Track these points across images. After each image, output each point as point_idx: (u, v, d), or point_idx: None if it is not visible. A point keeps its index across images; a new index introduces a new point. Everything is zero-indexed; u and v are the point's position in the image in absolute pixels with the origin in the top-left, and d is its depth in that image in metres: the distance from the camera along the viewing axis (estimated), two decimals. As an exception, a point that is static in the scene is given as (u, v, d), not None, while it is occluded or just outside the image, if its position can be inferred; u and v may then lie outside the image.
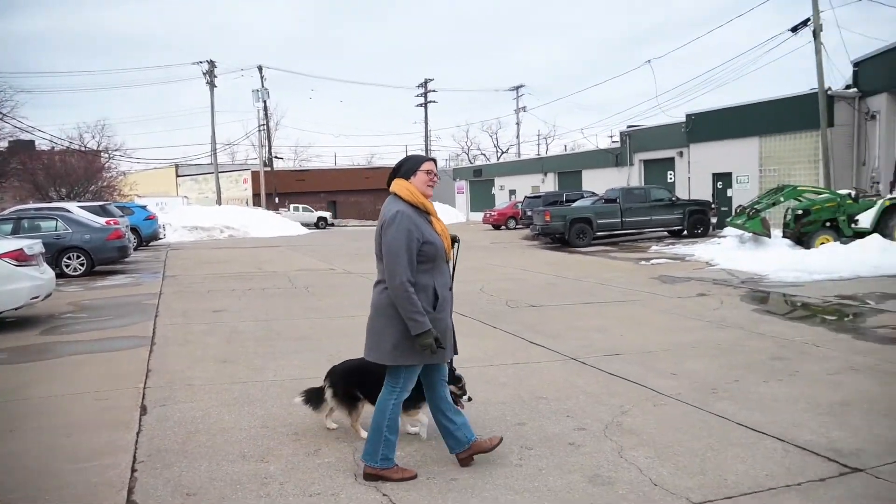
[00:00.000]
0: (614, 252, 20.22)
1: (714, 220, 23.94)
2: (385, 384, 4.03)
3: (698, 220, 23.42)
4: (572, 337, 8.10)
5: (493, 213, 36.65)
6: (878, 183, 20.30)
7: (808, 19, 20.88)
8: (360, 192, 56.64)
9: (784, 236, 17.29)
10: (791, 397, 5.60)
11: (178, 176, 61.54)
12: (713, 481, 3.99)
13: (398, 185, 3.99)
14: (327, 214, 48.55)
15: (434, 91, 56.38)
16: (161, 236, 28.10)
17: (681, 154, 29.02)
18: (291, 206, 48.20)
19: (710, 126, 26.85)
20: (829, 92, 21.31)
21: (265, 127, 50.07)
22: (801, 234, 16.42)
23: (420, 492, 3.90)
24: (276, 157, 55.78)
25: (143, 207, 27.95)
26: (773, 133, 24.23)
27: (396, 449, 4.09)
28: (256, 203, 49.74)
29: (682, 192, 27.80)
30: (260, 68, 48.91)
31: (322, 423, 4.97)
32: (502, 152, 75.19)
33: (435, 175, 4.05)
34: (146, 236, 25.83)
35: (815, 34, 20.59)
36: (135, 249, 21.22)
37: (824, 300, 10.73)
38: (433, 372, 4.12)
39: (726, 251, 17.19)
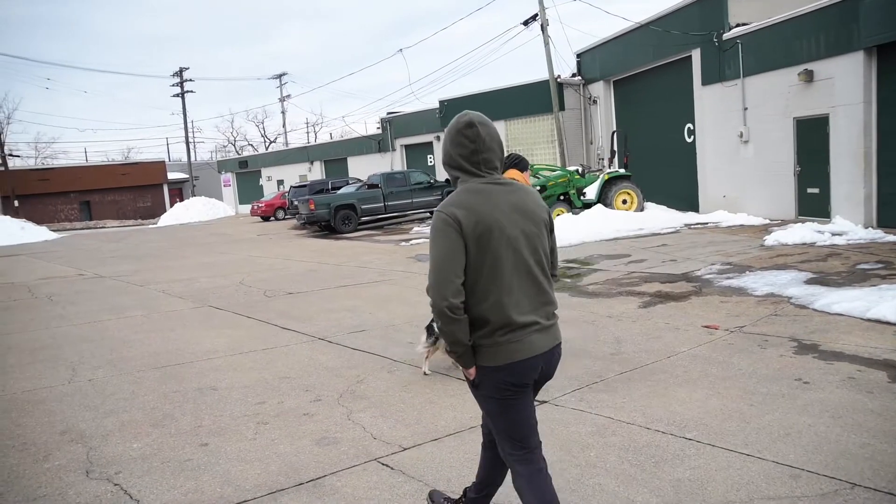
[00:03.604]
0: (378, 236, 20.97)
1: (470, 199, 25.55)
2: None
3: (456, 201, 24.91)
4: (323, 319, 8.50)
5: (260, 205, 36.01)
6: (602, 159, 23.05)
7: (537, 14, 23.00)
8: (117, 189, 52.50)
9: (526, 211, 19.05)
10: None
11: None
12: (426, 429, 4.59)
13: (516, 175, 5.24)
14: None
15: (191, 80, 53.56)
16: None
17: (438, 138, 30.54)
18: None
19: (461, 111, 28.45)
20: (558, 80, 23.68)
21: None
22: (540, 208, 18.22)
23: (153, 476, 4.06)
24: (10, 155, 49.87)
25: None
26: (517, 116, 26.41)
27: None
28: (-10, 209, 44.29)
29: (442, 175, 29.32)
30: (-22, 53, 43.15)
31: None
32: (270, 142, 73.50)
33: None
34: None
35: (543, 28, 22.75)
36: None
37: (552, 265, 12.15)
38: None
39: (478, 228, 18.56)
